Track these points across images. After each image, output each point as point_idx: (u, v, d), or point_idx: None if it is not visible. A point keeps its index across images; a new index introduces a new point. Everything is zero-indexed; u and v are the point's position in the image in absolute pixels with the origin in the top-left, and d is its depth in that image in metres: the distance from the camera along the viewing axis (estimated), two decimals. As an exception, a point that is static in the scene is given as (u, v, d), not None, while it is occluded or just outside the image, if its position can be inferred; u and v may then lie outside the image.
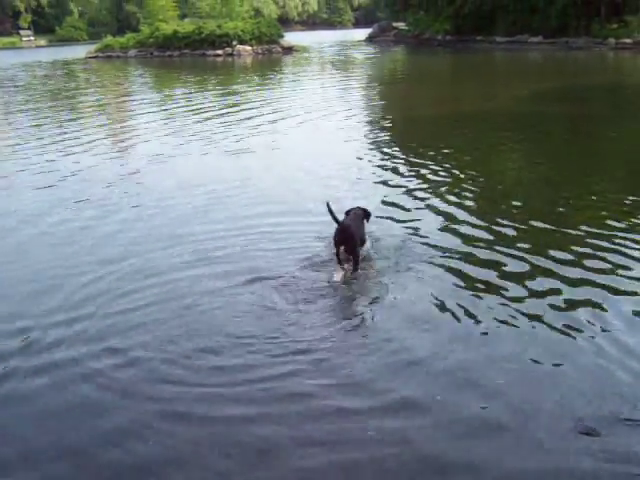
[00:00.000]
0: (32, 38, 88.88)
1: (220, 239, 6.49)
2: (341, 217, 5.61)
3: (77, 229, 7.10)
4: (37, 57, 50.04)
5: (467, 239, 6.28)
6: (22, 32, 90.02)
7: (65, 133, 13.81)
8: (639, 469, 3.19)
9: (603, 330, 4.43)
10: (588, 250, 5.83)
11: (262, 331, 4.54)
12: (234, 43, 44.65)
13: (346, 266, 5.41)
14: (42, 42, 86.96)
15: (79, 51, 51.89)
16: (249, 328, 4.60)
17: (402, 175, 9.05)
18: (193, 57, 43.78)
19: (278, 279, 5.35)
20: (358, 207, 6.03)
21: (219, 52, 44.19)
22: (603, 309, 4.74)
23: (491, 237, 6.31)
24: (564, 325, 4.52)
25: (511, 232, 6.44)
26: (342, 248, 5.38)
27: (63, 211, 7.85)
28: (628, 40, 34.09)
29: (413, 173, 9.12)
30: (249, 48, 44.56)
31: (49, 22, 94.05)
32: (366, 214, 5.97)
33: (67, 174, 9.79)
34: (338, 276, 5.30)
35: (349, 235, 5.35)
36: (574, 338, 4.35)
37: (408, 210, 7.28)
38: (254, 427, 3.58)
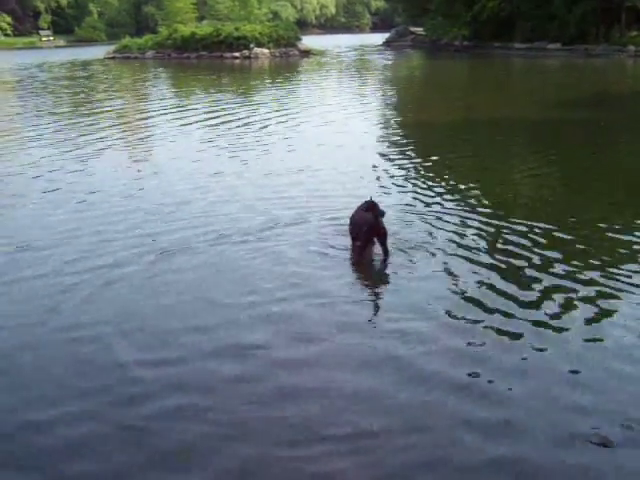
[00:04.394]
0: (51, 38, 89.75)
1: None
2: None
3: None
4: (56, 57, 50.45)
5: (471, 248, 6.20)
6: (42, 32, 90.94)
7: (85, 139, 13.89)
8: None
9: (620, 340, 4.39)
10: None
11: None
12: (251, 46, 44.78)
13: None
14: (61, 42, 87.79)
15: (97, 52, 52.31)
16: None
17: (416, 180, 9.02)
18: (211, 59, 43.92)
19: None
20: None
21: (236, 54, 44.35)
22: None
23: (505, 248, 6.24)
24: (579, 332, 4.47)
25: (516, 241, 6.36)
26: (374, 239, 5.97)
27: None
28: (648, 48, 33.82)
29: (429, 178, 9.08)
30: (266, 51, 44.70)
31: (68, 22, 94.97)
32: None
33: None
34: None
35: (383, 228, 5.88)
36: (595, 346, 4.31)
37: (419, 214, 7.25)
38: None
